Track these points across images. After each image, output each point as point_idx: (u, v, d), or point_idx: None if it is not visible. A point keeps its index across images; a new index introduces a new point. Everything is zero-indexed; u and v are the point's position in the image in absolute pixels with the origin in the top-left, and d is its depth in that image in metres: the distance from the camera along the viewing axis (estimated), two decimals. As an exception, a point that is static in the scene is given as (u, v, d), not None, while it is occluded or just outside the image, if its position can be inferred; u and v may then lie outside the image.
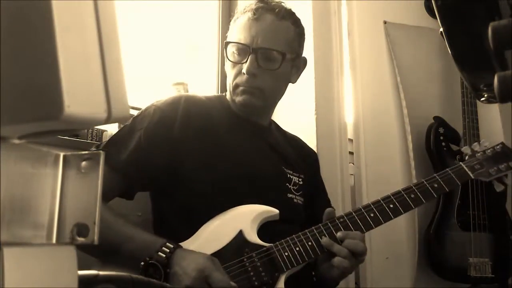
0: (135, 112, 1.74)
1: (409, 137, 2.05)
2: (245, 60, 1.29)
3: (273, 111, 1.47)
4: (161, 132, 1.25)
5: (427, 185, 1.30)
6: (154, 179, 1.27)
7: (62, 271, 0.42)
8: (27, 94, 0.37)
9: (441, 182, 1.31)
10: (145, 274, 1.06)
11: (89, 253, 1.16)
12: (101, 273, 0.90)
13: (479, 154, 1.41)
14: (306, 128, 1.51)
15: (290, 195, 1.34)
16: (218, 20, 2.20)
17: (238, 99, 1.33)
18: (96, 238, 0.41)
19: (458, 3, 0.51)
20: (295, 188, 1.37)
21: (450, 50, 0.54)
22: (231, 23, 1.39)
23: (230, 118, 1.37)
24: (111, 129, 1.65)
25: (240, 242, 1.19)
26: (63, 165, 0.43)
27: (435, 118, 2.07)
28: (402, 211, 1.26)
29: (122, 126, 1.33)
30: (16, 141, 0.40)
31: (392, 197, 1.27)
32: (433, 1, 0.53)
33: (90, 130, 1.60)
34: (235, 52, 1.32)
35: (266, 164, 1.35)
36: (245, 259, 1.16)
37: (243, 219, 1.23)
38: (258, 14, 1.30)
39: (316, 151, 1.59)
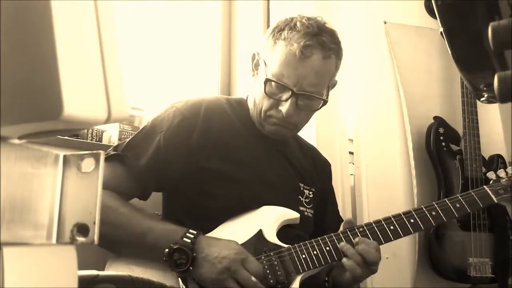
0: (135, 112, 1.75)
1: (409, 137, 2.05)
2: (284, 99, 1.25)
3: None
4: (180, 136, 1.25)
5: (449, 204, 1.32)
6: (171, 182, 1.28)
7: (62, 271, 0.42)
8: (27, 94, 0.36)
9: (463, 203, 1.33)
10: (170, 260, 1.09)
11: (108, 248, 1.19)
12: (101, 273, 0.90)
13: (504, 180, 1.43)
14: (306, 128, 1.50)
15: (301, 208, 1.35)
16: (219, 20, 2.20)
17: (269, 128, 1.32)
18: (96, 238, 0.41)
19: (458, 3, 0.51)
20: (306, 201, 1.38)
21: (450, 50, 0.54)
22: (269, 38, 1.30)
23: (249, 128, 1.36)
24: (111, 129, 1.65)
25: (259, 241, 1.21)
26: (63, 165, 0.43)
27: (435, 118, 2.07)
28: (422, 227, 1.28)
29: (141, 127, 1.32)
30: (16, 141, 0.40)
31: (413, 212, 1.29)
32: (433, 1, 0.53)
33: (90, 130, 1.60)
34: (273, 85, 1.26)
35: (281, 176, 1.36)
36: (262, 257, 1.18)
37: (264, 219, 1.25)
38: (305, 53, 1.22)
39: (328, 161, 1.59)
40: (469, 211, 1.34)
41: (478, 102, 2.03)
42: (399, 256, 1.93)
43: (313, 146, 1.59)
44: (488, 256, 1.90)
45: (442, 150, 2.02)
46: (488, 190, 1.38)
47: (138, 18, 1.92)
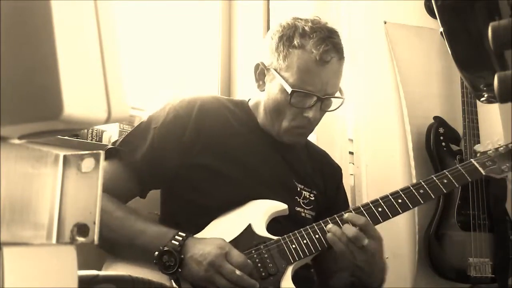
0: (135, 112, 1.75)
1: (409, 137, 2.05)
2: (309, 105, 1.26)
3: None
4: (173, 133, 1.26)
5: (437, 180, 1.30)
6: (166, 178, 1.29)
7: (62, 271, 0.42)
8: (27, 94, 0.37)
9: (451, 178, 1.30)
10: (159, 263, 1.10)
11: (106, 250, 1.20)
12: (101, 273, 0.91)
13: (491, 151, 1.39)
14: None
15: (298, 209, 1.35)
16: (219, 20, 2.20)
17: (292, 139, 1.33)
18: (96, 238, 0.41)
19: (458, 3, 0.51)
20: (305, 202, 1.37)
21: (450, 50, 0.54)
22: (279, 47, 1.28)
23: (248, 127, 1.36)
24: (111, 129, 1.65)
25: (248, 236, 1.21)
26: (63, 165, 0.43)
27: (435, 118, 2.06)
28: (410, 206, 1.26)
29: (138, 123, 1.33)
30: (16, 141, 0.40)
31: (400, 192, 1.27)
32: (433, 1, 0.53)
33: (90, 130, 1.60)
34: (297, 95, 1.26)
35: (275, 176, 1.35)
36: (253, 251, 1.18)
37: (252, 213, 1.25)
38: (325, 58, 1.24)
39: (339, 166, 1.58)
40: (457, 186, 1.31)
41: (478, 102, 2.03)
42: (399, 256, 1.93)
43: (324, 151, 1.58)
44: (488, 256, 1.90)
45: (442, 150, 2.02)
46: (475, 163, 1.34)
47: (138, 18, 1.92)
